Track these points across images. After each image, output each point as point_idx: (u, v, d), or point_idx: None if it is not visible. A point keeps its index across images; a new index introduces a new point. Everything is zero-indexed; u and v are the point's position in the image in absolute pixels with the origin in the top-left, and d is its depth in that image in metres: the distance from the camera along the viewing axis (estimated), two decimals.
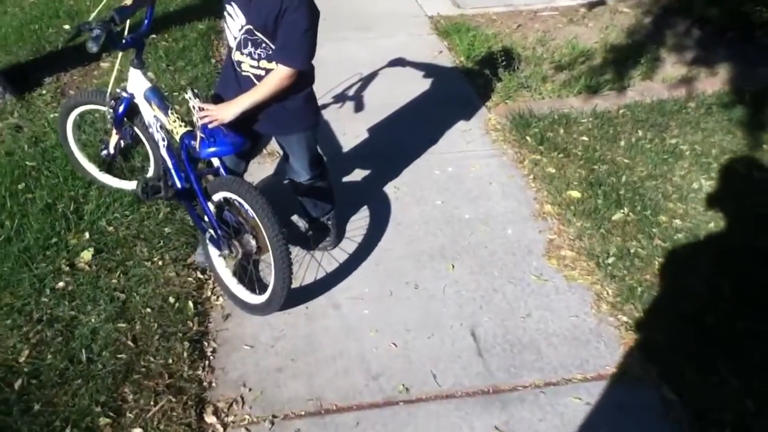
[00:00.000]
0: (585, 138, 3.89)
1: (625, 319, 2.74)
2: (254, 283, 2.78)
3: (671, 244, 3.09)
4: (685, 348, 2.57)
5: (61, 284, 2.80)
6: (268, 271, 2.70)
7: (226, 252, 2.68)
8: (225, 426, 2.32)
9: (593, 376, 2.52)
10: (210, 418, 2.34)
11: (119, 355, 2.51)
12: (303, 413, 2.37)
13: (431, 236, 3.20)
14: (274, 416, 2.36)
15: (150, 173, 3.31)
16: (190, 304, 2.76)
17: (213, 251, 2.79)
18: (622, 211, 3.29)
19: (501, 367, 2.55)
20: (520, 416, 2.36)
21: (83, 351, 2.51)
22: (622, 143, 3.85)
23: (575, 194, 3.41)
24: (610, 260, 3.00)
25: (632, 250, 3.05)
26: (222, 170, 2.66)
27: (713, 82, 4.55)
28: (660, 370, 2.51)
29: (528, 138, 3.89)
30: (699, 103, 4.27)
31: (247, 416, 2.36)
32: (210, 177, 2.79)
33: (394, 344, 2.64)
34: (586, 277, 2.95)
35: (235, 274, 2.81)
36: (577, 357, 2.59)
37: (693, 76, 4.63)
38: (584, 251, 3.08)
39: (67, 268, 2.88)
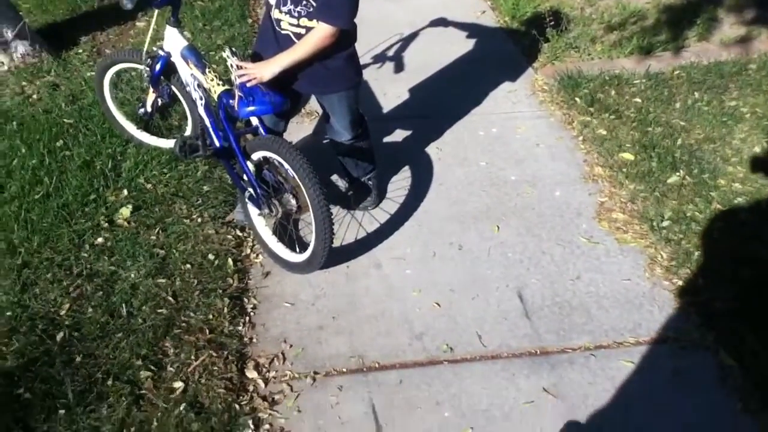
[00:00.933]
0: (638, 99, 3.79)
1: (680, 283, 2.67)
2: (294, 242, 2.78)
3: (730, 207, 3.00)
4: (746, 314, 2.50)
5: (100, 240, 2.84)
6: (309, 230, 2.70)
7: (266, 211, 2.68)
8: (266, 381, 2.34)
9: (646, 340, 2.46)
10: (251, 373, 2.35)
11: (159, 310, 2.53)
12: (345, 370, 2.37)
13: (475, 197, 3.16)
14: (315, 373, 2.36)
15: (188, 132, 3.32)
16: (230, 261, 2.77)
17: (252, 210, 2.80)
18: (677, 174, 3.20)
19: (549, 329, 2.51)
20: (569, 378, 2.33)
21: (123, 305, 2.54)
22: (678, 105, 3.74)
23: (628, 156, 3.33)
24: (665, 224, 2.92)
25: (689, 214, 2.96)
26: (261, 129, 2.65)
27: None
28: (718, 335, 2.45)
29: (577, 99, 3.80)
30: (760, 64, 4.12)
31: (288, 372, 2.37)
32: (249, 136, 2.78)
33: (437, 304, 2.62)
34: (639, 240, 2.88)
35: (275, 232, 2.82)
36: (630, 320, 2.53)
37: (753, 36, 4.46)
38: (637, 214, 3.01)
39: (106, 224, 2.91)
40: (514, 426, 2.18)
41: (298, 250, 2.75)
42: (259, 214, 2.78)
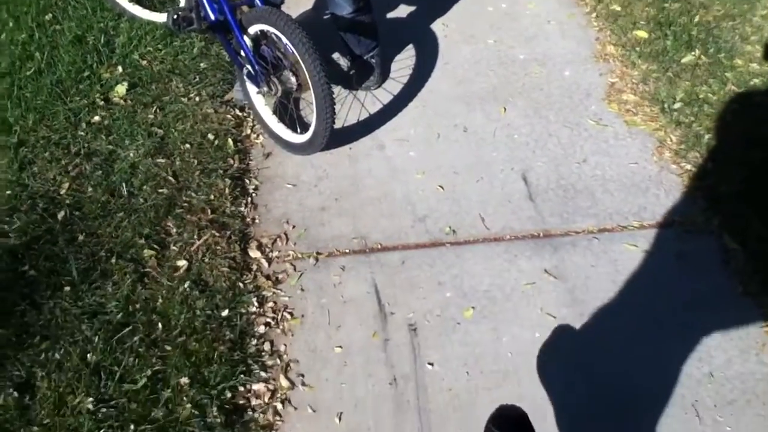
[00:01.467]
0: None
1: (688, 167, 2.62)
2: (295, 122, 2.71)
3: (746, 89, 2.89)
4: (753, 199, 2.46)
5: (96, 118, 2.76)
6: (310, 110, 2.61)
7: (265, 89, 2.58)
8: (269, 261, 2.34)
9: (651, 223, 2.44)
10: (254, 253, 2.35)
11: (160, 190, 2.50)
12: (348, 251, 2.37)
13: (482, 77, 3.04)
14: (318, 253, 2.36)
15: (182, 3, 3.15)
16: (230, 141, 2.71)
17: (251, 88, 2.70)
18: (693, 53, 3.06)
19: (553, 212, 2.48)
20: (571, 261, 2.33)
21: (123, 185, 2.50)
22: None
23: (642, 34, 3.18)
24: (677, 105, 2.83)
25: (701, 95, 2.86)
26: (257, 1, 2.51)
27: None
28: (723, 219, 2.42)
29: None
30: None
31: (291, 252, 2.37)
32: (245, 8, 2.64)
33: (441, 187, 2.58)
34: (648, 122, 2.80)
35: (275, 112, 2.73)
36: (635, 204, 2.50)
37: None
38: (648, 95, 2.90)
39: (102, 102, 2.83)
40: (514, 306, 2.20)
41: (299, 130, 2.68)
42: (258, 93, 2.68)
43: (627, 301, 2.22)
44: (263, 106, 2.73)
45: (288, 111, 2.70)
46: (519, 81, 3.02)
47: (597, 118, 2.84)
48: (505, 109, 2.89)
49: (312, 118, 2.49)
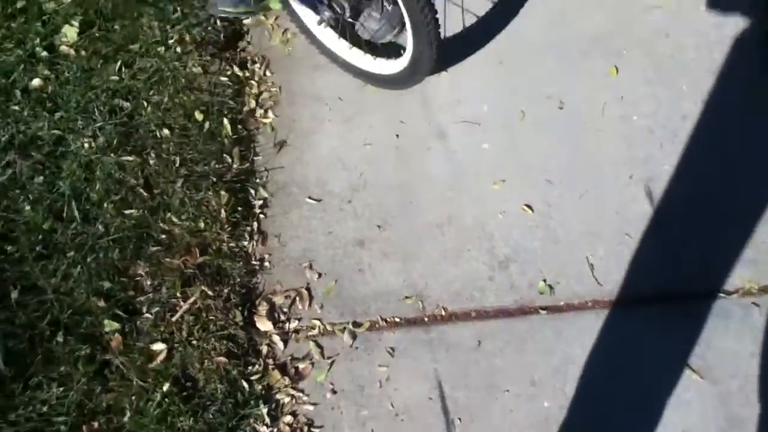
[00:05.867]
0: None
1: None
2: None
3: None
4: None
5: (37, 82, 1.86)
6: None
7: (327, 14, 1.71)
8: (286, 337, 1.58)
9: None
10: (264, 324, 1.58)
11: (127, 211, 1.67)
12: (398, 319, 1.57)
13: (584, 16, 2.05)
14: (356, 323, 1.59)
15: None
16: (226, 123, 1.82)
17: (308, 18, 1.82)
18: None
19: (688, 254, 1.65)
20: (721, 347, 1.55)
21: (74, 202, 1.67)
22: None
23: None
24: None
25: None
26: None
27: None
28: None
29: None
30: None
31: (316, 322, 1.59)
32: None
33: (527, 207, 1.72)
34: None
35: (345, 36, 1.80)
36: None
37: None
38: None
39: (44, 52, 1.90)
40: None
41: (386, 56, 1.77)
42: (321, 23, 1.77)
43: None
44: (331, 38, 1.82)
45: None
46: (637, 22, 2.02)
47: (760, 91, 1.88)
48: (617, 69, 1.94)
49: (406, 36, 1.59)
